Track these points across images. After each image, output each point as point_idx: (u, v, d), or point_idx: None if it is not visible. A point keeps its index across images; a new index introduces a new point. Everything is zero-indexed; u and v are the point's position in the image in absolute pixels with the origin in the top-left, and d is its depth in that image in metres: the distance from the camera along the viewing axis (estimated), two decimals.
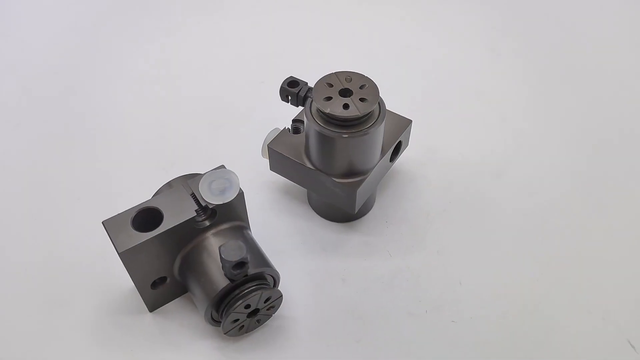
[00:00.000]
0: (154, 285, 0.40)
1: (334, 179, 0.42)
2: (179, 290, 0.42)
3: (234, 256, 0.35)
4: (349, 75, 0.41)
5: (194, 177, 0.41)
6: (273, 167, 0.47)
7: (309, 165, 0.43)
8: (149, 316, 0.42)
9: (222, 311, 0.38)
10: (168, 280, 0.41)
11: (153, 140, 0.55)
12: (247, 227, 0.42)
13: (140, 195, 0.43)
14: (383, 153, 0.44)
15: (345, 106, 0.39)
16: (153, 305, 0.42)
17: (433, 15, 0.72)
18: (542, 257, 0.45)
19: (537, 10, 0.72)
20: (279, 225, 0.48)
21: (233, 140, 0.55)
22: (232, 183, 0.39)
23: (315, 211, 0.49)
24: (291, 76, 0.44)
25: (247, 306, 0.38)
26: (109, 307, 0.42)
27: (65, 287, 0.43)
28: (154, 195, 0.42)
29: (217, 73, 0.63)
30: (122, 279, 0.43)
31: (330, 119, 0.40)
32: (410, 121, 0.46)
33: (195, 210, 0.38)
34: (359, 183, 0.42)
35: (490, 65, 0.63)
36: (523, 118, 0.57)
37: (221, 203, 0.38)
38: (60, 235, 0.47)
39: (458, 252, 0.45)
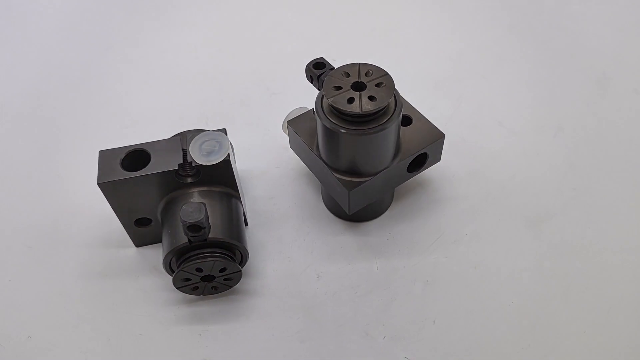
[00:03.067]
0: (139, 223, 0.42)
1: (334, 173, 0.40)
2: None
3: (189, 217, 0.36)
4: (371, 69, 0.38)
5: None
6: (292, 145, 0.46)
7: (315, 152, 0.42)
8: (133, 250, 0.44)
9: (178, 266, 0.38)
10: (153, 222, 0.43)
11: (206, 91, 0.57)
12: (237, 196, 0.42)
13: None
14: (399, 160, 0.41)
15: (350, 100, 0.37)
16: (138, 242, 0.44)
17: (536, 28, 0.63)
18: (540, 331, 0.39)
19: None
20: (281, 204, 0.47)
21: (281, 109, 0.54)
22: (221, 147, 0.39)
23: (323, 201, 0.47)
24: (322, 57, 0.42)
25: (200, 270, 0.38)
26: (101, 237, 0.45)
27: (63, 217, 0.47)
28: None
29: (294, 43, 0.63)
30: None
31: (333, 110, 0.38)
32: (443, 135, 0.42)
33: (179, 164, 0.39)
34: (356, 184, 0.40)
35: (596, 102, 0.54)
36: (596, 171, 0.48)
37: (204, 164, 0.38)
38: (77, 169, 0.50)
39: (447, 289, 0.41)
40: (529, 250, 0.43)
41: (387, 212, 0.46)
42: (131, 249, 0.44)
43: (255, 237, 0.45)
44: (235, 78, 0.58)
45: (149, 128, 0.53)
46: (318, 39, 0.63)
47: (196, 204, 0.36)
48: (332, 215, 0.46)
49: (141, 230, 0.43)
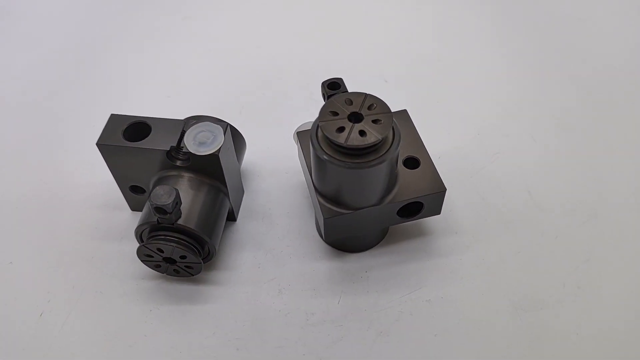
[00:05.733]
0: (134, 190, 0.44)
1: (318, 196, 0.39)
2: None
3: (157, 199, 0.37)
4: (375, 103, 0.37)
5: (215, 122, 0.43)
6: (299, 156, 0.45)
7: (308, 170, 0.41)
8: (127, 213, 0.47)
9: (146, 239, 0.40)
10: (146, 193, 0.44)
11: (251, 82, 0.58)
12: (225, 192, 0.43)
13: None
14: (389, 202, 0.39)
15: (340, 129, 0.35)
16: (133, 206, 0.47)
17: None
18: None
19: None
20: (275, 210, 0.47)
21: (315, 116, 0.54)
22: (214, 141, 0.39)
23: (315, 220, 0.46)
24: (340, 78, 0.41)
25: (161, 250, 0.39)
26: (103, 196, 0.48)
27: (76, 173, 0.50)
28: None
29: (352, 55, 0.61)
30: None
31: (324, 135, 0.37)
32: (444, 189, 0.39)
33: (171, 146, 0.40)
34: (334, 213, 0.38)
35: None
36: (610, 274, 0.42)
37: (194, 152, 0.39)
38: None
39: (398, 348, 0.39)
40: (501, 338, 0.39)
41: (373, 249, 0.44)
42: (126, 212, 0.47)
43: (238, 232, 0.45)
44: (283, 75, 0.59)
45: (185, 105, 0.55)
46: (378, 56, 0.61)
47: (169, 189, 0.37)
48: (317, 236, 0.45)
49: (136, 197, 0.45)
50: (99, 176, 0.48)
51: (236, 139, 0.46)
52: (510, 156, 0.50)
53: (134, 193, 0.45)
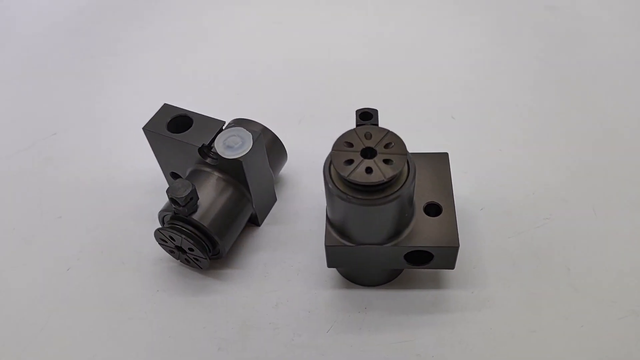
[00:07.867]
0: (174, 176, 0.47)
1: (327, 222, 0.39)
2: None
3: (173, 191, 0.39)
4: (394, 142, 0.35)
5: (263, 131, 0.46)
6: None
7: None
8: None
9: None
10: None
11: (327, 91, 0.59)
12: (249, 199, 0.44)
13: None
14: (395, 244, 0.37)
15: (348, 162, 0.35)
16: None
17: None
18: None
19: None
20: (298, 224, 0.47)
21: None
22: (241, 146, 0.41)
23: None
24: (375, 109, 0.40)
25: (172, 238, 0.41)
26: (147, 182, 0.51)
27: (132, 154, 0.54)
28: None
29: (417, 90, 0.59)
30: None
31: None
32: (456, 245, 0.37)
33: (202, 144, 0.42)
34: (336, 242, 0.38)
35: None
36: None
37: (220, 154, 0.41)
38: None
39: None
40: None
41: (380, 287, 0.43)
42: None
43: (258, 236, 0.46)
44: (352, 90, 0.59)
45: (249, 106, 0.57)
46: (452, 91, 0.58)
47: (187, 183, 0.39)
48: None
49: None
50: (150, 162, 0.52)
51: (275, 149, 0.47)
52: (561, 224, 0.45)
53: (174, 179, 0.48)
